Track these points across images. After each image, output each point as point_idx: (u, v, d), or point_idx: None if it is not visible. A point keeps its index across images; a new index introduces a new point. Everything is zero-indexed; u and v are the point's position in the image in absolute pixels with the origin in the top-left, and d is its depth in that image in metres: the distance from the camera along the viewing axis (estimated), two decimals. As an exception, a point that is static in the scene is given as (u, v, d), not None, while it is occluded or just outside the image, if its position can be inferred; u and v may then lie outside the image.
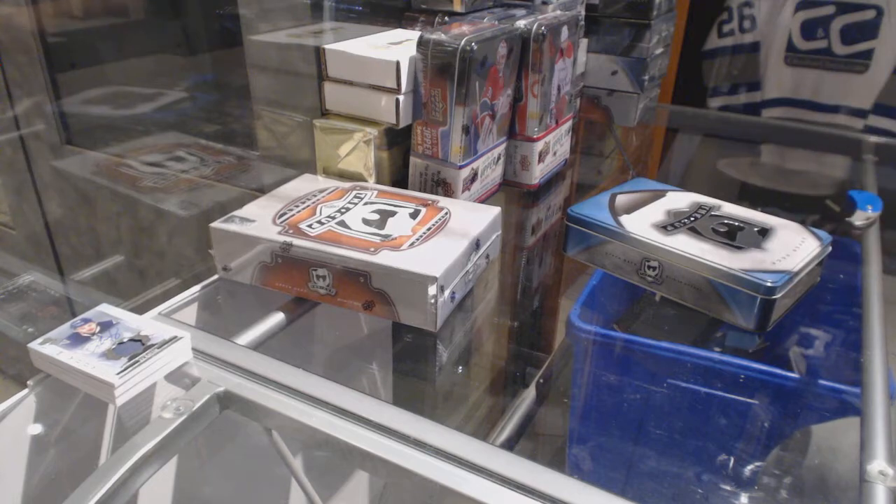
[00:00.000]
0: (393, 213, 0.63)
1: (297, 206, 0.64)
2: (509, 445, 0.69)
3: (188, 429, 0.44)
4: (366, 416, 0.44)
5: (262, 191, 0.71)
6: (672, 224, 0.65)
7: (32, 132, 1.27)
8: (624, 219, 0.66)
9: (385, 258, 0.55)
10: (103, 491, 0.39)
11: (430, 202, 0.66)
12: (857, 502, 0.42)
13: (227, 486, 0.70)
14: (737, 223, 0.66)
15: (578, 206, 0.69)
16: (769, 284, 0.56)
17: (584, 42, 0.98)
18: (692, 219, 0.66)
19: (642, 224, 0.65)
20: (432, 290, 0.53)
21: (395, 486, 0.58)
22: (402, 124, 0.69)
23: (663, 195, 0.72)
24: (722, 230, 0.64)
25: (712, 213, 0.68)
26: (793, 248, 0.61)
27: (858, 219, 0.77)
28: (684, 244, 0.62)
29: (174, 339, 0.48)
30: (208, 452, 0.65)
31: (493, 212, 0.66)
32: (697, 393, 0.69)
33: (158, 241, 1.19)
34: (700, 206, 0.69)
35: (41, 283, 1.27)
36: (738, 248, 0.61)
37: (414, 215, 0.63)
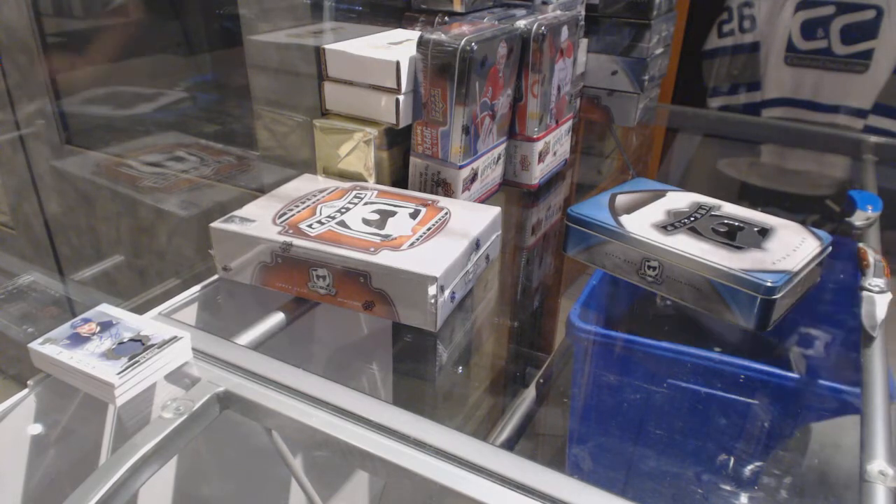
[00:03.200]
0: (393, 213, 0.63)
1: (297, 206, 0.64)
2: (509, 445, 0.69)
3: (188, 429, 0.44)
4: (366, 416, 0.44)
5: (262, 191, 0.71)
6: (672, 224, 0.65)
7: (32, 132, 1.27)
8: (624, 219, 0.66)
9: (385, 258, 0.55)
10: (103, 491, 0.39)
11: (430, 202, 0.66)
12: (858, 502, 0.42)
13: (227, 486, 0.70)
14: (737, 223, 0.66)
15: (578, 206, 0.69)
16: (769, 284, 0.56)
17: (584, 42, 0.98)
18: (692, 219, 0.66)
19: (642, 224, 0.65)
20: (432, 290, 0.53)
21: (395, 486, 0.58)
22: (402, 124, 0.69)
23: (663, 195, 0.71)
24: (722, 230, 0.64)
25: (712, 213, 0.68)
26: (793, 248, 0.61)
27: (858, 219, 0.77)
28: (684, 244, 0.61)
29: (174, 339, 0.48)
30: (208, 452, 0.65)
31: (493, 212, 0.66)
32: (697, 393, 0.69)
33: (158, 241, 1.19)
34: (700, 206, 0.69)
35: (41, 283, 1.27)
36: (738, 248, 0.61)
37: (414, 215, 0.63)
